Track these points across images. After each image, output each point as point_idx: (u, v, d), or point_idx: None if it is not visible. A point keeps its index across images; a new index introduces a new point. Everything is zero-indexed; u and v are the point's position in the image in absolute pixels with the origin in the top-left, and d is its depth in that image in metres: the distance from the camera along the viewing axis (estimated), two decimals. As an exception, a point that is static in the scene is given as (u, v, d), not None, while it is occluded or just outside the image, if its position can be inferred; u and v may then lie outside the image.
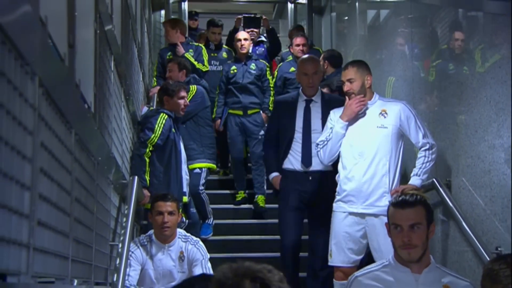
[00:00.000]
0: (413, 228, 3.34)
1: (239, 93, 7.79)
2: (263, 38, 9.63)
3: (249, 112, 7.78)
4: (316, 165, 5.48)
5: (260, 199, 7.63)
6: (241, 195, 7.93)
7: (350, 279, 3.53)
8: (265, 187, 7.70)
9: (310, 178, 5.56)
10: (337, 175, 5.13)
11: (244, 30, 9.42)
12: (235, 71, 7.86)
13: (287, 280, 5.13)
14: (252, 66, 7.89)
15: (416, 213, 3.39)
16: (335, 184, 5.22)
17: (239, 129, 7.81)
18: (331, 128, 5.06)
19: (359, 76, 5.03)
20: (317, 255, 5.49)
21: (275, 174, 5.87)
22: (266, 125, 7.53)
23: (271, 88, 7.94)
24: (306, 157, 5.54)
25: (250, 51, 8.17)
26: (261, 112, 7.82)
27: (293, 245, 5.59)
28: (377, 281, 3.37)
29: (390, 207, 3.55)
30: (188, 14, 10.83)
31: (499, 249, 3.81)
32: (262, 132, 7.55)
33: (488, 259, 4.38)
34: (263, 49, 9.44)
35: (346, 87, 5.05)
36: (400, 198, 3.51)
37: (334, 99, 5.82)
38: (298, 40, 8.17)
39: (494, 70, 4.61)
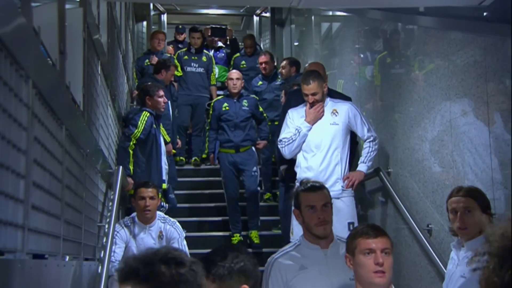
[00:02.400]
0: (325, 207, 3.34)
1: (231, 131, 6.79)
2: (221, 44, 9.80)
3: (241, 149, 6.80)
4: None
5: (254, 234, 6.79)
6: (236, 238, 6.85)
7: (270, 262, 3.43)
8: (258, 223, 6.89)
9: None
10: (295, 165, 5.14)
11: (211, 38, 9.62)
12: (227, 108, 6.86)
13: None
14: (245, 102, 6.92)
15: (325, 194, 3.41)
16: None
17: (232, 167, 6.82)
18: (296, 128, 5.04)
19: (320, 87, 5.02)
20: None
21: (285, 166, 5.77)
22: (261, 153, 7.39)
23: (265, 117, 7.15)
24: None
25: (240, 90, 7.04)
26: (253, 148, 6.91)
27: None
28: (292, 260, 3.32)
29: (301, 193, 3.47)
30: (176, 28, 10.58)
31: (429, 226, 3.85)
32: (255, 169, 6.83)
33: (421, 235, 4.45)
34: (223, 54, 9.59)
35: (311, 99, 5.00)
36: (309, 185, 3.50)
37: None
38: (261, 58, 8.06)
39: (426, 75, 4.66)
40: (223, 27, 10.31)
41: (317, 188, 3.45)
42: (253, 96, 7.30)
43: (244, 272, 2.20)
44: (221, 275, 2.16)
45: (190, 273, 1.71)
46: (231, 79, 6.99)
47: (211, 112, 7.02)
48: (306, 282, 3.21)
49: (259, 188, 6.97)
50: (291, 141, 5.05)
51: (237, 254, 2.22)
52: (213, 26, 10.09)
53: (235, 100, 6.91)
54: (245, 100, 6.91)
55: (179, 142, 7.83)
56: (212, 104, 7.15)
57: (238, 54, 9.35)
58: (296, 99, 5.53)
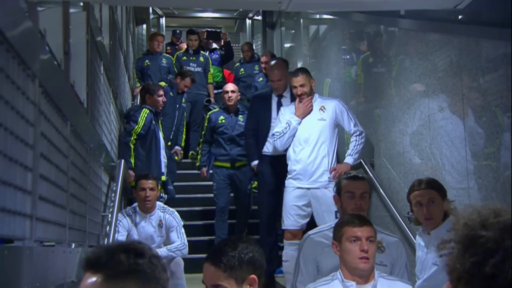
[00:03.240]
0: (363, 195, 3.51)
1: (227, 145, 6.35)
2: (215, 46, 9.83)
3: (237, 164, 6.34)
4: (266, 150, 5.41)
5: None
6: None
7: (304, 237, 3.58)
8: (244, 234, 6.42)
9: (282, 160, 5.30)
10: (287, 158, 5.15)
11: (207, 40, 9.63)
12: (223, 121, 6.39)
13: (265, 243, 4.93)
14: (240, 117, 6.41)
15: (365, 184, 3.59)
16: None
17: (227, 181, 6.37)
18: (287, 122, 5.04)
19: (308, 81, 5.04)
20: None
21: (256, 162, 5.63)
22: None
23: None
24: None
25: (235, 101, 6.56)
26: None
27: (269, 221, 5.50)
28: (325, 238, 3.38)
29: (343, 180, 3.66)
30: (173, 32, 10.52)
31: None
32: (249, 187, 6.35)
33: (402, 222, 4.48)
34: (217, 55, 9.61)
35: (299, 90, 5.01)
36: (352, 174, 3.70)
37: None
38: (263, 59, 8.09)
39: (406, 73, 4.67)
40: (218, 30, 10.39)
41: (359, 178, 3.66)
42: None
43: (253, 262, 2.20)
44: (232, 265, 2.16)
45: (148, 265, 1.68)
46: (227, 92, 6.51)
47: (206, 124, 6.56)
48: (331, 258, 3.22)
49: (251, 205, 6.56)
50: (282, 134, 5.06)
51: (247, 245, 2.22)
52: (209, 30, 10.17)
53: (231, 114, 6.45)
54: (241, 116, 6.42)
55: (178, 153, 7.70)
56: (207, 116, 6.67)
57: (238, 64, 9.32)
58: (259, 102, 5.67)
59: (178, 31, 10.54)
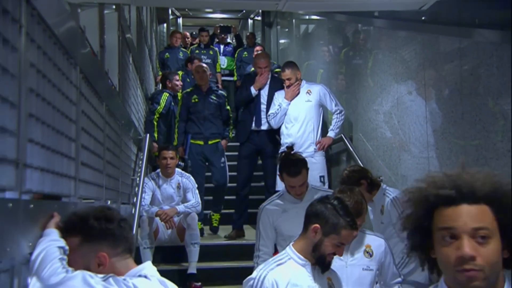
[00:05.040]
0: (301, 186, 3.28)
1: (200, 123, 5.57)
2: (229, 41, 9.81)
3: (210, 142, 5.57)
4: (263, 126, 5.36)
5: (215, 217, 5.66)
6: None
7: (261, 208, 3.42)
8: (221, 209, 5.72)
9: (257, 134, 5.37)
10: (280, 133, 5.17)
11: (221, 36, 9.60)
12: (196, 100, 5.61)
13: (239, 206, 4.78)
14: (213, 96, 5.66)
15: (303, 176, 3.29)
16: (274, 138, 5.33)
17: (201, 158, 5.57)
18: (279, 105, 5.04)
19: (293, 73, 5.03)
20: (268, 178, 5.37)
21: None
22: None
23: (230, 118, 5.86)
24: (258, 119, 5.37)
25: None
26: (220, 141, 5.67)
27: (243, 185, 5.43)
28: (277, 206, 3.34)
29: (284, 174, 3.29)
30: (191, 34, 10.24)
31: (380, 177, 3.91)
32: (223, 160, 5.62)
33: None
34: (230, 48, 9.58)
35: (287, 82, 5.03)
36: (291, 168, 3.30)
37: (279, 81, 5.52)
38: (256, 48, 7.96)
39: (379, 64, 4.68)
40: (229, 25, 10.40)
41: (297, 173, 3.26)
42: (222, 92, 6.02)
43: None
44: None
45: (118, 228, 1.69)
46: (198, 72, 5.73)
47: (180, 103, 5.74)
48: (287, 221, 3.24)
49: (227, 180, 5.73)
50: (275, 114, 5.07)
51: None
52: (221, 25, 10.18)
53: (204, 93, 5.65)
54: (213, 95, 5.69)
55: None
56: (181, 95, 5.92)
57: (241, 48, 9.32)
58: (250, 80, 5.50)
59: (194, 33, 10.48)
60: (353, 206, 2.61)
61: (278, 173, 3.53)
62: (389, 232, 3.37)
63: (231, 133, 5.91)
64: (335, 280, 2.36)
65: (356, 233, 2.31)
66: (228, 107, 5.88)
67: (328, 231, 2.23)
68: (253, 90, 5.35)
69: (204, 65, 5.97)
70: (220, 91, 5.97)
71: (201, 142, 5.59)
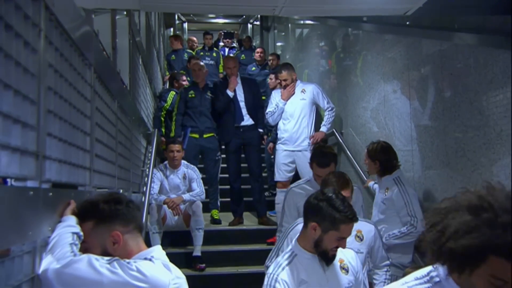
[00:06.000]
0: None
1: (196, 118, 5.39)
2: (235, 45, 9.78)
3: (205, 135, 5.39)
4: (245, 122, 5.36)
5: (214, 212, 5.48)
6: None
7: (287, 190, 3.51)
8: (218, 203, 5.58)
9: (241, 130, 5.36)
10: (277, 128, 5.17)
11: (226, 40, 9.62)
12: (193, 96, 5.43)
13: (235, 198, 4.70)
14: (209, 92, 5.48)
15: (331, 169, 3.28)
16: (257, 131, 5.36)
17: (197, 151, 5.40)
18: (276, 104, 5.03)
19: (289, 75, 5.01)
20: (255, 168, 5.37)
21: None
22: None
23: None
24: (239, 116, 5.35)
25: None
26: (215, 136, 5.47)
27: (235, 177, 5.43)
28: (303, 190, 3.36)
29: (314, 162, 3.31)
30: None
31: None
32: (218, 154, 5.53)
33: (362, 174, 4.51)
34: (235, 51, 9.56)
35: (283, 83, 5.02)
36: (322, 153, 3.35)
37: (248, 79, 5.66)
38: (258, 50, 7.94)
39: (367, 65, 4.67)
40: (232, 31, 10.47)
41: (325, 164, 3.27)
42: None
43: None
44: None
45: (126, 209, 1.71)
46: (194, 70, 5.56)
47: (178, 98, 5.56)
48: None
49: (219, 173, 5.66)
50: (273, 113, 5.06)
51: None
52: (225, 31, 10.23)
53: (201, 89, 5.47)
54: (209, 91, 5.50)
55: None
56: (180, 90, 5.76)
57: (239, 51, 9.30)
58: (220, 87, 5.41)
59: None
60: (338, 180, 2.67)
61: (309, 161, 3.50)
62: (390, 214, 3.38)
63: None
64: (349, 258, 2.25)
65: (356, 222, 2.10)
66: None
67: (327, 228, 2.07)
68: (230, 92, 5.28)
69: (201, 63, 5.77)
70: None
71: (197, 135, 5.42)
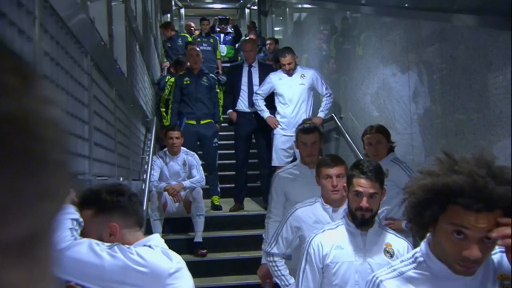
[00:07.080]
0: (313, 144, 3.26)
1: (193, 104, 5.35)
2: (230, 30, 9.72)
3: (202, 122, 5.37)
4: None
5: (215, 199, 5.41)
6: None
7: (274, 175, 3.49)
8: (218, 189, 5.53)
9: (253, 115, 5.32)
10: (276, 113, 5.16)
11: (221, 26, 9.58)
12: (188, 82, 5.38)
13: (240, 174, 4.66)
14: (204, 78, 5.44)
15: (315, 136, 3.29)
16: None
17: (194, 137, 5.35)
18: (262, 108, 5.06)
19: (293, 58, 4.98)
20: (264, 154, 5.34)
21: (231, 110, 5.41)
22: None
23: (219, 100, 5.63)
24: (251, 102, 5.29)
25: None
26: (213, 122, 5.47)
27: (242, 162, 5.42)
28: (290, 174, 3.33)
29: (299, 132, 3.35)
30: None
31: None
32: (215, 140, 5.46)
33: (362, 158, 4.51)
34: (230, 37, 9.51)
35: (287, 67, 4.96)
36: (306, 126, 3.40)
37: (264, 65, 5.64)
38: (269, 41, 7.84)
39: (366, 48, 4.65)
40: (227, 17, 10.41)
41: (309, 130, 3.31)
42: (213, 76, 5.79)
43: None
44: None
45: (128, 201, 1.70)
46: (191, 55, 5.50)
47: (173, 85, 5.52)
48: (296, 188, 3.22)
49: (216, 160, 5.61)
50: (260, 107, 5.08)
51: None
52: (220, 17, 10.18)
53: (196, 76, 5.42)
54: (204, 77, 5.47)
55: None
56: (174, 78, 5.70)
57: (243, 38, 9.19)
58: (235, 70, 5.47)
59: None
60: (331, 158, 2.78)
61: (294, 140, 3.50)
62: (390, 196, 3.38)
63: (221, 117, 5.67)
64: (399, 246, 2.27)
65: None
66: (218, 90, 5.68)
67: (348, 186, 2.29)
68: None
69: (197, 48, 5.72)
70: (211, 75, 5.75)
71: (194, 122, 5.39)
